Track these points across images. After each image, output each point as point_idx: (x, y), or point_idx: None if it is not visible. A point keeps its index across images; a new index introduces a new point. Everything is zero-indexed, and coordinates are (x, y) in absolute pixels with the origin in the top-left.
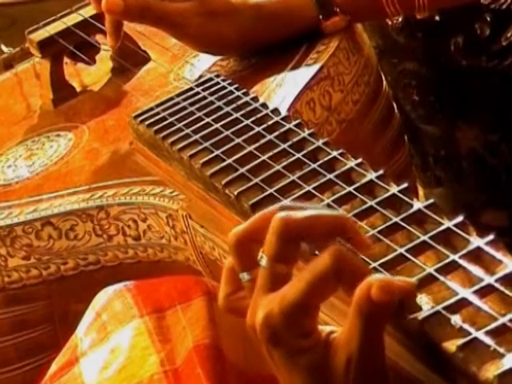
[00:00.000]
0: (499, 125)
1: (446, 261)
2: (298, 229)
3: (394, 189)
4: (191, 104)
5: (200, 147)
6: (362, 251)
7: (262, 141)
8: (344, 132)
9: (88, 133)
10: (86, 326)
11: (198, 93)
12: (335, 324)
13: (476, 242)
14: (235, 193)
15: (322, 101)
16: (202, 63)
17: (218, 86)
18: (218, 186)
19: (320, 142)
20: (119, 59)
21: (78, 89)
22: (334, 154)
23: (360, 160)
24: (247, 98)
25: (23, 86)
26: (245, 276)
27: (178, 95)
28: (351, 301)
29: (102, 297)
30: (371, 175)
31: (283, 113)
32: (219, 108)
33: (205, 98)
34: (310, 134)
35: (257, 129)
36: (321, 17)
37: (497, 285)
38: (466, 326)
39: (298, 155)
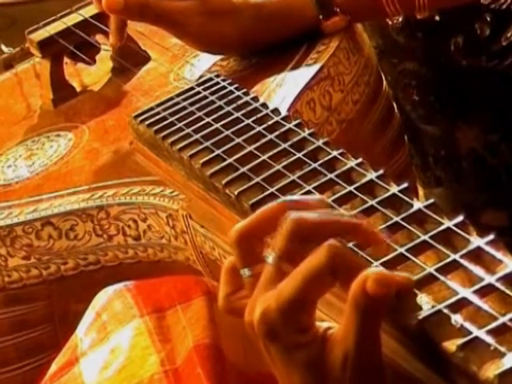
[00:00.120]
0: (499, 125)
1: (447, 260)
2: (310, 230)
3: (394, 189)
4: (191, 104)
5: (200, 147)
6: (379, 253)
7: (262, 141)
8: (344, 132)
9: (88, 133)
10: (86, 326)
11: (198, 93)
12: (333, 322)
13: (476, 241)
14: (235, 192)
15: (322, 101)
16: (202, 63)
17: (218, 86)
18: (218, 185)
19: (320, 142)
20: (119, 59)
21: (78, 89)
22: (334, 153)
23: (360, 160)
24: (247, 98)
25: (23, 85)
26: (246, 272)
27: (178, 95)
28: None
29: (101, 297)
30: (371, 175)
31: (283, 113)
32: (219, 108)
33: (205, 97)
34: (310, 134)
35: (257, 129)
36: (321, 17)
37: (497, 284)
38: (467, 325)
39: (299, 155)
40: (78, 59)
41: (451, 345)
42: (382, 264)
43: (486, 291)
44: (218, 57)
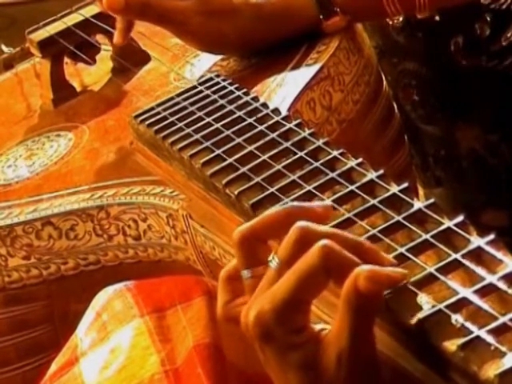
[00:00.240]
0: (499, 125)
1: (447, 260)
2: (318, 241)
3: (394, 188)
4: (191, 104)
5: (200, 147)
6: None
7: (263, 140)
8: (344, 132)
9: (88, 133)
10: (86, 326)
11: (198, 92)
12: (331, 320)
13: (476, 241)
14: (236, 192)
15: (322, 101)
16: (203, 63)
17: (219, 86)
18: (219, 185)
19: (320, 142)
20: (119, 59)
21: (79, 89)
22: (335, 153)
23: (360, 160)
24: (247, 98)
25: (23, 85)
26: (246, 273)
27: (179, 95)
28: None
29: (102, 297)
30: (371, 175)
31: (283, 113)
32: (219, 108)
33: (205, 97)
34: (310, 134)
35: (257, 128)
36: (321, 17)
37: (497, 284)
38: (467, 325)
39: (299, 155)
40: (78, 59)
41: (451, 344)
42: None
43: (486, 291)
44: (219, 57)
